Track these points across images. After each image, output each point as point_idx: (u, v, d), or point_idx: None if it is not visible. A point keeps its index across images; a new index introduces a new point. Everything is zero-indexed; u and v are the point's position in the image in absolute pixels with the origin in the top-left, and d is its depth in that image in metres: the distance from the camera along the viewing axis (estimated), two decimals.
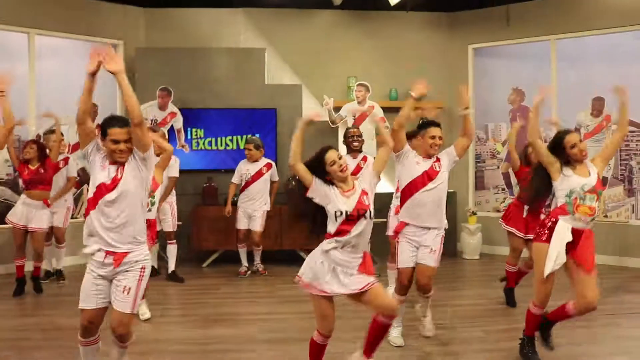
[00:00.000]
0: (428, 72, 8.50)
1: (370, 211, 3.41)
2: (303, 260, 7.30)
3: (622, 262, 7.15)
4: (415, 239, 4.16)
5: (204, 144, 7.78)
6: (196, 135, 7.77)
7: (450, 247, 7.54)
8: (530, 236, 5.21)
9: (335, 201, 3.38)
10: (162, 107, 7.36)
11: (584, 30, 7.64)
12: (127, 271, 3.27)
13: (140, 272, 3.31)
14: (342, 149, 7.91)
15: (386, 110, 7.65)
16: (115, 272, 3.26)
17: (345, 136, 6.70)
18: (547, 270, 3.78)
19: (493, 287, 5.94)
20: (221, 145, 7.70)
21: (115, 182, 3.23)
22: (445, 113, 8.44)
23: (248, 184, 6.80)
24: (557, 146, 3.91)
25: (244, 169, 6.82)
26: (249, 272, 6.86)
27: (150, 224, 4.53)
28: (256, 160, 6.81)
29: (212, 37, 8.22)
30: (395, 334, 4.40)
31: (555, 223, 3.84)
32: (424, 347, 4.30)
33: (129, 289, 3.25)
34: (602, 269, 5.70)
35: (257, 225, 6.79)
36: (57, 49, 7.51)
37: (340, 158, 3.44)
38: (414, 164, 4.16)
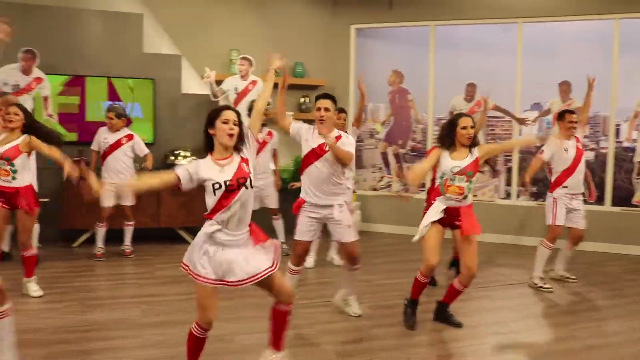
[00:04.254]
0: (311, 49, 8.51)
1: (250, 179, 3.05)
2: (181, 239, 7.06)
3: (485, 237, 7.60)
4: None
5: None
6: None
7: None
8: None
9: (209, 173, 2.99)
10: (26, 72, 6.62)
11: (460, 19, 8.00)
12: None
13: None
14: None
15: None
16: None
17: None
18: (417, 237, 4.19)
19: (374, 264, 6.20)
20: None
21: None
22: (326, 91, 8.46)
23: (106, 154, 6.42)
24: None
25: (102, 137, 6.45)
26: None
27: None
28: (117, 130, 6.45)
29: None
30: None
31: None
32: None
33: None
34: None
35: (128, 200, 6.43)
36: None
37: (235, 124, 3.04)
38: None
